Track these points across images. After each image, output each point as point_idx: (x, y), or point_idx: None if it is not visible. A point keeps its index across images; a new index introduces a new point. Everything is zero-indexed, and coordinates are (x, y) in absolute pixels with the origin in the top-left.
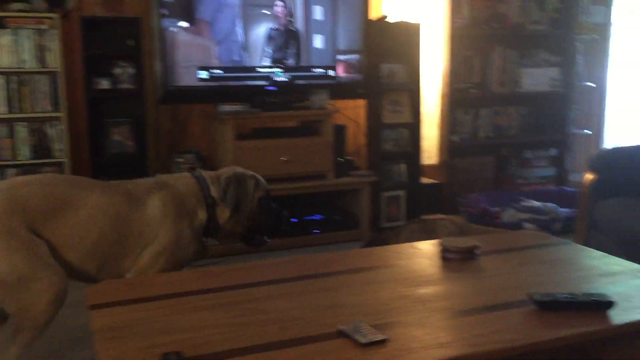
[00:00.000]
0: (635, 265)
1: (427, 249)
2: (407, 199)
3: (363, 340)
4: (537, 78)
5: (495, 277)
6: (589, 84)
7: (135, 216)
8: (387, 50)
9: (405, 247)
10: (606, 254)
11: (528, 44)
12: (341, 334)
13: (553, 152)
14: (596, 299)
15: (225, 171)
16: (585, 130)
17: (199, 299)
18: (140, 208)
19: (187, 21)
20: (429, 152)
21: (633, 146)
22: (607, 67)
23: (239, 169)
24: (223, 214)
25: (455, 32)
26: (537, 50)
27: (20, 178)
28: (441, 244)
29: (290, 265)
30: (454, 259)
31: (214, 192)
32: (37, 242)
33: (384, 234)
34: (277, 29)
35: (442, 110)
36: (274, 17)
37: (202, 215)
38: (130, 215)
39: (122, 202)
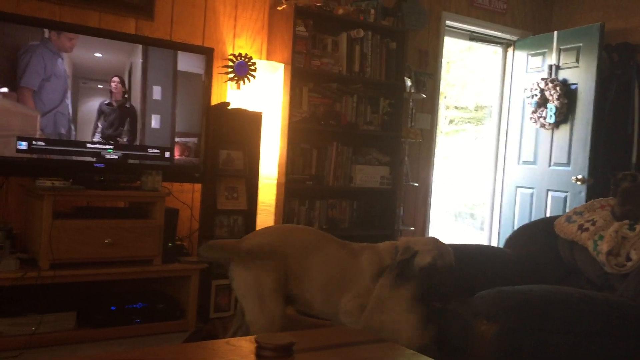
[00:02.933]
0: None
1: (242, 345)
2: None
3: None
4: (368, 175)
5: None
6: (414, 183)
7: (351, 265)
8: (227, 136)
9: (220, 343)
10: (417, 353)
11: (361, 142)
12: None
13: None
14: None
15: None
16: (412, 227)
17: None
18: (356, 260)
19: (9, 87)
20: None
21: (458, 244)
22: (431, 168)
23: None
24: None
25: (294, 125)
26: (369, 149)
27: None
28: (256, 341)
29: None
30: (269, 357)
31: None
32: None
33: (210, 325)
34: (110, 104)
35: (278, 200)
36: (109, 92)
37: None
38: (349, 264)
39: (345, 254)
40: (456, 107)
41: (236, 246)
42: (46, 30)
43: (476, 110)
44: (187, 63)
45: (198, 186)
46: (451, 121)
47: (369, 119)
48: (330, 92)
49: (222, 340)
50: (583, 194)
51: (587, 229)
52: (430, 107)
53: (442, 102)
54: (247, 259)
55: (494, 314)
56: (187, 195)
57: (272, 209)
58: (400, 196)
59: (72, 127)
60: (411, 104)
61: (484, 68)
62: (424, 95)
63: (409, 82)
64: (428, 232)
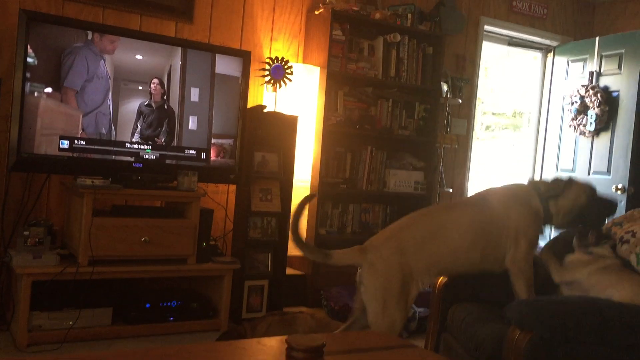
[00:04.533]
0: None
1: (272, 345)
2: (270, 289)
3: None
4: (402, 179)
5: None
6: (448, 189)
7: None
8: (262, 139)
9: (251, 342)
10: (443, 358)
11: (396, 147)
12: None
13: None
14: None
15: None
16: None
17: None
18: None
19: (53, 88)
20: None
21: None
22: (467, 174)
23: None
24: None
25: (329, 128)
26: (403, 153)
27: (398, 223)
28: (286, 342)
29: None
30: (299, 358)
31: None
32: (408, 281)
33: (242, 325)
34: (149, 105)
35: (311, 203)
36: (149, 93)
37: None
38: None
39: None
40: (493, 113)
41: (363, 252)
42: (89, 33)
43: (514, 117)
44: (224, 66)
45: (233, 187)
46: (487, 127)
47: (404, 123)
48: (365, 96)
49: (253, 340)
50: (623, 203)
51: (627, 241)
52: (466, 112)
53: (479, 108)
54: (376, 266)
55: (529, 323)
56: (222, 196)
57: (306, 212)
58: (434, 202)
59: (113, 127)
60: (447, 109)
61: (522, 74)
62: (460, 101)
63: (445, 87)
64: None
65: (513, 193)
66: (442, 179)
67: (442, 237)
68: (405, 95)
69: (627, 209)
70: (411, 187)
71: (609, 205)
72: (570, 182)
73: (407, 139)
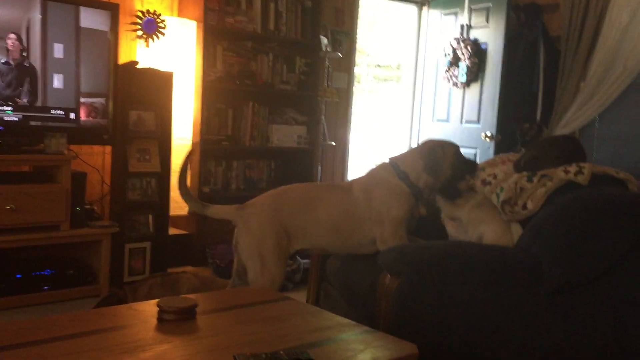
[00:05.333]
0: (343, 320)
1: (144, 309)
2: (153, 251)
3: None
4: (285, 134)
5: (208, 338)
6: (331, 142)
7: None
8: (137, 97)
9: (122, 308)
10: (320, 309)
11: (278, 102)
12: None
13: None
14: (298, 357)
15: (420, 148)
16: None
17: None
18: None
19: None
20: (178, 202)
21: None
22: (348, 127)
23: (433, 141)
24: (421, 179)
25: (209, 84)
26: (286, 108)
27: (279, 188)
28: (158, 305)
29: None
30: (171, 320)
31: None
32: (283, 238)
33: (122, 289)
34: (7, 63)
35: (193, 161)
36: (5, 50)
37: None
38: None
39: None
40: (378, 66)
41: (239, 209)
42: None
43: (398, 69)
44: (91, 19)
45: (109, 149)
46: (375, 78)
47: (285, 78)
48: (245, 50)
49: (125, 306)
50: (491, 150)
51: (489, 183)
52: (347, 66)
53: (365, 61)
54: (250, 224)
55: (398, 268)
56: (98, 158)
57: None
58: (317, 155)
59: None
60: (327, 63)
61: (403, 27)
62: (340, 55)
63: (325, 41)
64: None
65: (374, 179)
66: (325, 132)
67: (314, 210)
68: (286, 49)
69: (495, 154)
70: (294, 141)
71: (471, 166)
72: (431, 153)
73: (289, 94)
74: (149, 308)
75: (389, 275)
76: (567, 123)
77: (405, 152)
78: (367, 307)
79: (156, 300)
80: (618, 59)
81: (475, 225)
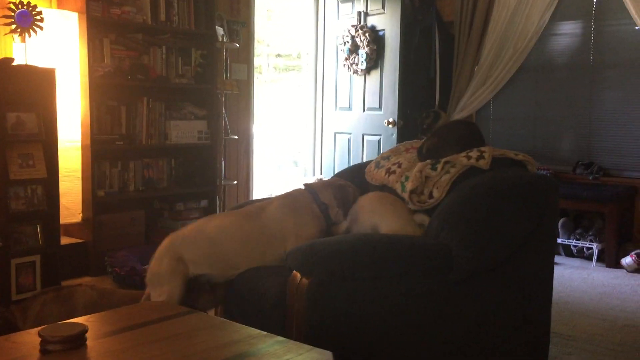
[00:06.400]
0: (253, 331)
1: (24, 341)
2: (44, 264)
3: None
4: (185, 130)
5: None
6: (233, 136)
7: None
8: (14, 97)
9: (0, 341)
10: (227, 321)
11: (175, 97)
12: None
13: (204, 203)
14: None
15: (330, 183)
16: (234, 181)
17: None
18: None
19: None
20: (70, 210)
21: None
22: (251, 119)
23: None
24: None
25: (97, 80)
26: (183, 103)
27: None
28: (39, 335)
29: None
30: (56, 351)
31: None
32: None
33: (9, 309)
34: None
35: (84, 163)
36: None
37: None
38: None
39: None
40: (279, 55)
41: None
42: None
43: (298, 58)
44: None
45: None
46: (275, 69)
47: (181, 71)
48: (135, 43)
49: (2, 338)
50: (395, 136)
51: (394, 172)
52: (246, 56)
53: (265, 51)
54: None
55: (307, 268)
56: None
57: (79, 174)
58: (220, 150)
59: None
60: (225, 54)
61: (301, 15)
62: (237, 45)
63: (221, 32)
64: (252, 185)
65: (291, 204)
66: (227, 126)
67: (217, 239)
68: (180, 41)
69: (398, 141)
70: (195, 137)
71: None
72: (342, 190)
73: (186, 88)
74: (30, 339)
75: (299, 275)
76: (464, 107)
77: (319, 185)
78: (278, 310)
79: (38, 328)
80: (508, 42)
81: (366, 217)
